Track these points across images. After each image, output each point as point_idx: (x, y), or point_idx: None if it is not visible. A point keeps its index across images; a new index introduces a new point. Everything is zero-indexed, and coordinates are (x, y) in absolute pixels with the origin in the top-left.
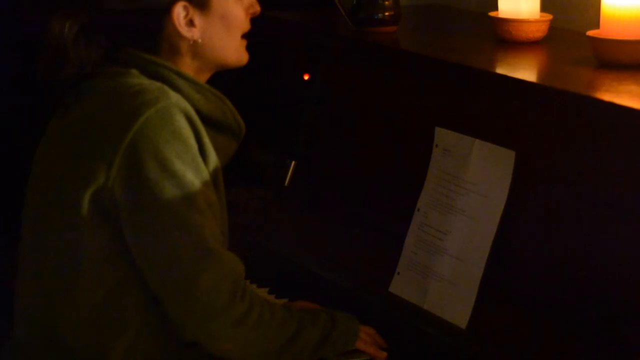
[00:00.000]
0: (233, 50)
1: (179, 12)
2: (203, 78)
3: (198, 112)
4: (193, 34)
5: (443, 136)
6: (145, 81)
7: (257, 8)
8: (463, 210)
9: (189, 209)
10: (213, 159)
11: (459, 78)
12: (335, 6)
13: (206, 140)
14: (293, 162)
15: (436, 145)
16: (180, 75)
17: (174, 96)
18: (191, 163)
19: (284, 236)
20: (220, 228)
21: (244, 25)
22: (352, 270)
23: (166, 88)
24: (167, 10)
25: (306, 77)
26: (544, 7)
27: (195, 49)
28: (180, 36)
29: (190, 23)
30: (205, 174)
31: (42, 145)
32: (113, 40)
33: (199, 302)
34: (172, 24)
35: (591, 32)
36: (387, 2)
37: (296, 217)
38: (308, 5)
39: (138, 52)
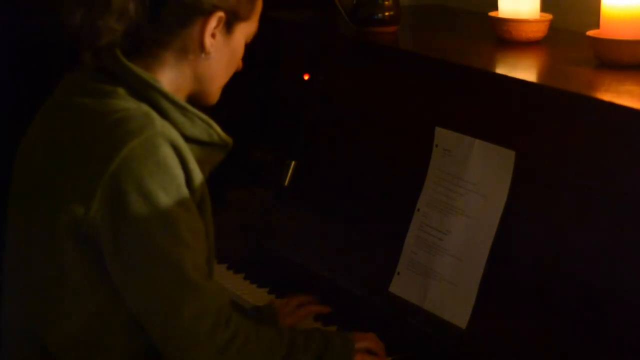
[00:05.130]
0: (218, 85)
1: (213, 21)
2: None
3: (183, 135)
4: (211, 45)
5: (443, 136)
6: (132, 104)
7: (241, 66)
8: (463, 210)
9: (172, 243)
10: (200, 184)
11: (459, 78)
12: (335, 6)
13: (192, 166)
14: (293, 162)
15: (436, 145)
16: (167, 98)
17: (160, 124)
18: (176, 194)
19: (284, 236)
20: (206, 254)
21: (234, 70)
22: (352, 270)
23: (152, 114)
24: (208, 13)
25: (306, 77)
26: (544, 7)
27: (198, 63)
28: (199, 42)
29: (213, 36)
30: (191, 204)
31: (23, 151)
32: (149, 8)
33: (181, 332)
34: (201, 28)
35: (591, 32)
36: (387, 2)
37: (296, 217)
38: (308, 5)
39: (129, 66)
